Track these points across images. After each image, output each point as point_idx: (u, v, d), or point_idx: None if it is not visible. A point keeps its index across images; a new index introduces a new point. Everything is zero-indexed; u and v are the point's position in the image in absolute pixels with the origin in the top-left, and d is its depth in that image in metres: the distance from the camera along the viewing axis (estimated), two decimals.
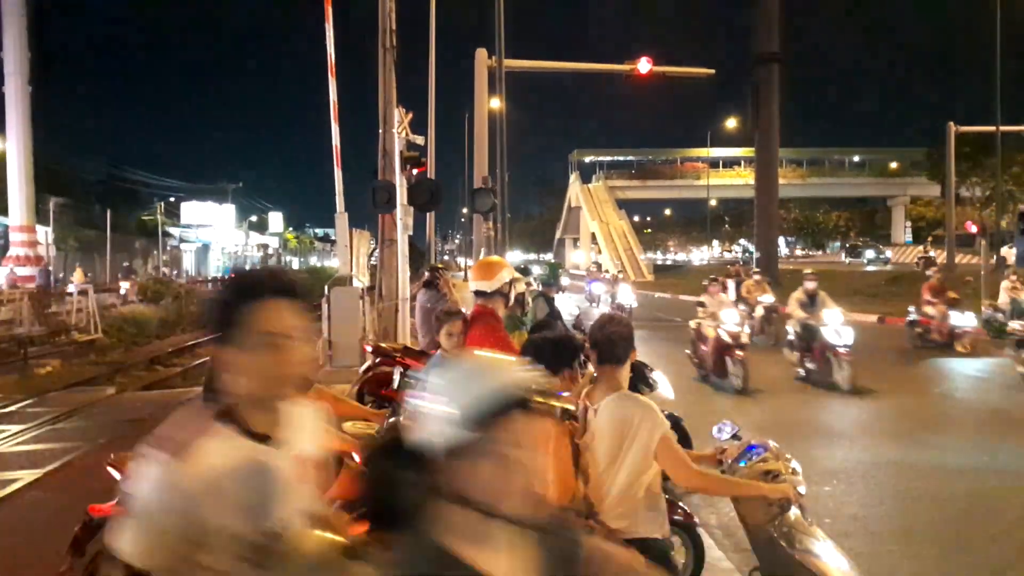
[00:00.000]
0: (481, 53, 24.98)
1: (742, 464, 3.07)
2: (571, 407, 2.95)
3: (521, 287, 5.95)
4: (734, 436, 3.30)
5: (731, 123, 49.19)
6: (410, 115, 11.19)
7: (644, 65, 23.60)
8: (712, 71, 25.23)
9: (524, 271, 10.46)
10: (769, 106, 32.56)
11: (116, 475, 3.37)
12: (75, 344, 17.28)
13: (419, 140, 11.34)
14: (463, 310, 4.90)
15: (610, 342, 2.92)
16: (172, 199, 53.99)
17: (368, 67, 12.13)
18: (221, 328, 1.56)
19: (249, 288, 1.58)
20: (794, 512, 2.81)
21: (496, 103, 20.79)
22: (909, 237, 71.08)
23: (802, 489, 2.89)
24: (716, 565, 4.33)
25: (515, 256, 57.03)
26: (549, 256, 76.19)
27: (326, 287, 11.12)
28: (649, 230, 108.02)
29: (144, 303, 24.25)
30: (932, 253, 43.55)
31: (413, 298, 11.83)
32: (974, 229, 26.90)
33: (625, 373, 2.94)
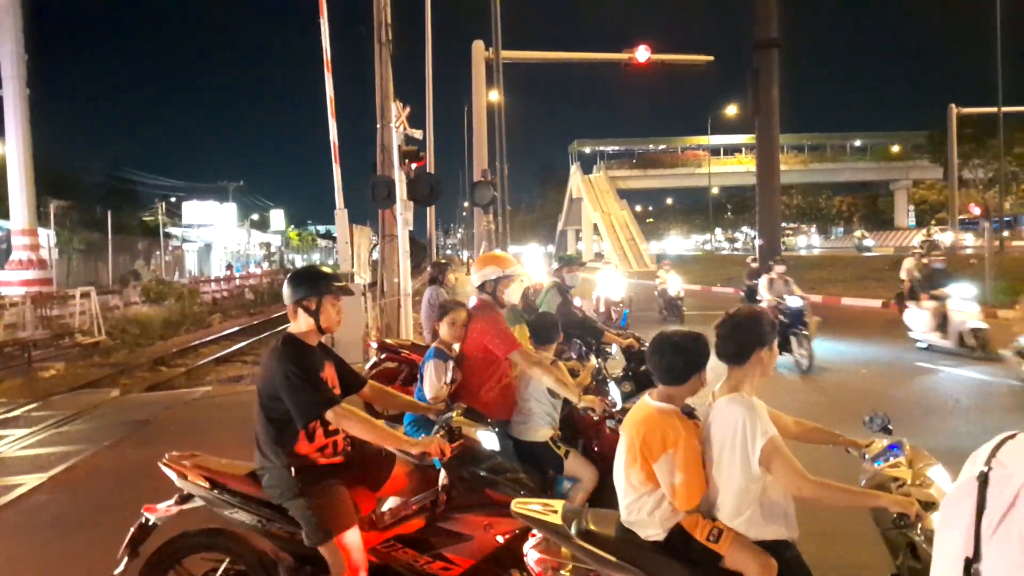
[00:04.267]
0: (478, 45, 24.87)
1: (877, 464, 2.81)
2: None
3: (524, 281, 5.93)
4: (884, 429, 2.95)
5: (731, 110, 48.90)
6: (407, 109, 11.14)
7: (642, 53, 23.47)
8: (711, 58, 25.04)
9: None
10: (769, 92, 32.05)
11: (171, 475, 3.34)
12: (79, 346, 17.31)
13: (417, 134, 11.30)
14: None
15: (721, 338, 2.77)
16: (173, 199, 53.93)
17: (365, 62, 12.09)
18: None
19: None
20: (936, 517, 2.57)
21: (495, 95, 20.70)
22: (913, 221, 70.77)
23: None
24: None
25: (531, 250, 56.20)
26: (551, 248, 75.88)
27: None
28: (651, 219, 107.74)
29: (147, 304, 24.29)
30: (937, 236, 43.36)
31: (417, 293, 11.81)
32: (977, 211, 26.77)
33: (745, 373, 2.74)
